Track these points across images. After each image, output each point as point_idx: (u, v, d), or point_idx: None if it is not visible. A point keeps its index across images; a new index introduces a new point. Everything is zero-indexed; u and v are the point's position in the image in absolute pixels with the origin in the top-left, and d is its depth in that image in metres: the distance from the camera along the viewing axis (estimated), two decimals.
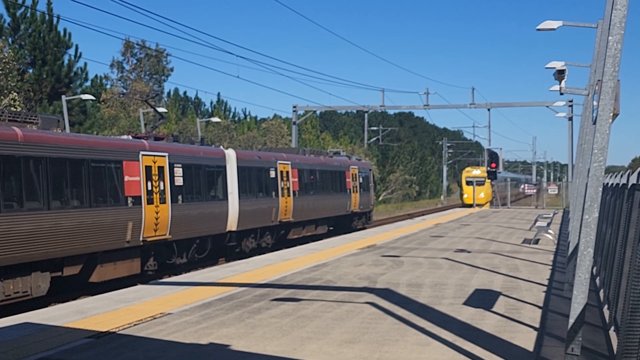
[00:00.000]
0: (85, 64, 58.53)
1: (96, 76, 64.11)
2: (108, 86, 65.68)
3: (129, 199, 21.09)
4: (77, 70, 43.74)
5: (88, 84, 50.54)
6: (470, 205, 62.39)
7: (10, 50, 38.40)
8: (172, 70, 74.52)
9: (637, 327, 6.03)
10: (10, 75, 37.10)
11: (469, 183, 70.24)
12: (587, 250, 7.53)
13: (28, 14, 41.75)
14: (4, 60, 36.56)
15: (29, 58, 41.45)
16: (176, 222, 23.33)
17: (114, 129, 51.26)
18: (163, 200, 22.70)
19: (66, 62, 42.60)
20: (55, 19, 42.42)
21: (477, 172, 71.78)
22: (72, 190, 19.02)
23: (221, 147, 30.39)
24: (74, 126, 40.26)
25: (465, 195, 70.71)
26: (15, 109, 34.02)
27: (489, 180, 69.41)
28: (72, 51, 43.17)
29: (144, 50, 71.13)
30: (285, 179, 32.33)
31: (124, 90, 63.39)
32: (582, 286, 7.47)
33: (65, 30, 42.86)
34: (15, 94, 35.74)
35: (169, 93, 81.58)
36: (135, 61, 72.21)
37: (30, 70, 40.32)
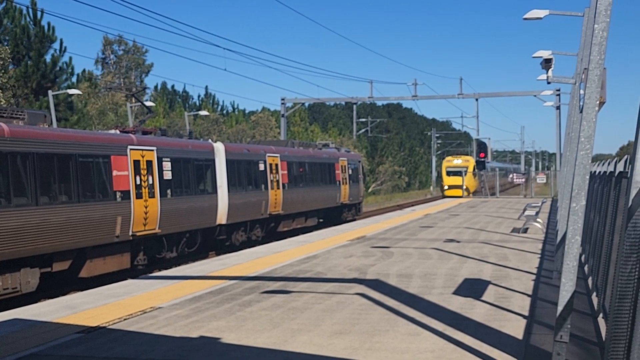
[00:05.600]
0: (70, 58, 58.04)
1: (84, 70, 63.85)
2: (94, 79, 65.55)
3: (118, 194, 21.02)
4: (62, 65, 43.42)
5: (74, 79, 50.26)
6: (460, 196, 62.04)
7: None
8: (151, 66, 74.41)
9: (625, 314, 6.06)
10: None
11: (449, 174, 68.17)
12: (574, 238, 7.56)
13: (11, 8, 41.31)
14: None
15: (11, 53, 41.06)
16: (165, 216, 23.28)
17: (95, 126, 50.98)
18: (152, 195, 22.65)
19: (50, 57, 42.27)
20: (39, 13, 42.09)
21: (459, 161, 69.83)
22: (60, 186, 18.94)
23: (210, 140, 30.32)
24: (61, 121, 40.01)
25: (445, 187, 68.58)
26: None
27: (472, 170, 68.12)
28: (56, 45, 42.83)
29: (123, 46, 71.12)
30: (274, 171, 32.31)
31: (102, 87, 63.04)
32: (570, 274, 7.51)
33: (49, 24, 42.53)
34: None
35: (155, 87, 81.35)
36: (115, 58, 72.17)
37: (12, 67, 39.92)
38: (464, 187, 64.15)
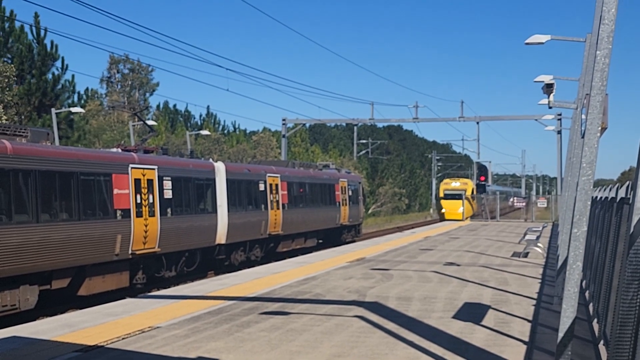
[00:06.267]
0: (73, 76, 58.22)
1: (87, 89, 64.06)
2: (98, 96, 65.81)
3: (118, 212, 21.01)
4: (65, 82, 43.56)
5: (76, 97, 50.39)
6: (459, 219, 61.67)
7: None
8: (157, 85, 74.79)
9: (626, 341, 6.03)
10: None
11: (447, 196, 67.48)
12: (576, 264, 7.55)
13: (16, 27, 41.53)
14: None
15: (16, 71, 41.24)
16: (165, 235, 23.26)
17: (99, 143, 51.06)
18: (152, 213, 22.63)
19: (51, 75, 42.44)
20: (42, 32, 42.31)
21: (457, 184, 69.17)
22: (61, 203, 18.94)
23: (210, 160, 30.35)
24: (62, 139, 40.10)
25: (443, 210, 67.88)
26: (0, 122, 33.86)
27: (470, 193, 67.61)
28: (58, 63, 43.01)
29: (128, 64, 71.52)
30: (274, 191, 32.31)
31: (106, 105, 63.16)
32: (571, 300, 7.48)
33: (52, 42, 42.78)
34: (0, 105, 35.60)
35: (158, 106, 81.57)
36: (120, 76, 72.57)
37: (16, 85, 40.07)
38: (460, 209, 63.61)
